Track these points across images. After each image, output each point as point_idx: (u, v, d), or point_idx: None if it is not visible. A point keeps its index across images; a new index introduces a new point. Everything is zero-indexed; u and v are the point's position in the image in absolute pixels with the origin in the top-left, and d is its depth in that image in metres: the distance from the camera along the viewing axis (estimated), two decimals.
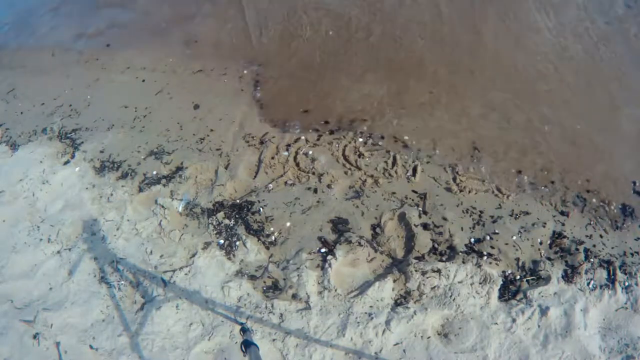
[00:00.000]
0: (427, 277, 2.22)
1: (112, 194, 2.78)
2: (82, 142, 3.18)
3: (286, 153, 2.91)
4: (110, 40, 4.14)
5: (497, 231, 2.41)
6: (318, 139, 2.98)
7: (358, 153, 2.86)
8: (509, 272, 2.26)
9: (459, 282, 2.20)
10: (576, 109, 3.02)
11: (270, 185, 2.74)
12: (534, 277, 2.24)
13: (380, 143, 2.87)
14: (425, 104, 3.15)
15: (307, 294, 2.21)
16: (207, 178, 2.83)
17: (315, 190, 2.68)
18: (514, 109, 3.05)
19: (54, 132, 3.31)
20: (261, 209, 2.61)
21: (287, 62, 3.58)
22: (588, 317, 2.08)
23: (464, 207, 2.54)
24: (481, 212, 2.52)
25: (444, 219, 2.49)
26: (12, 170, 3.02)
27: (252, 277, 2.33)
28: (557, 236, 2.39)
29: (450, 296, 2.16)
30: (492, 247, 2.35)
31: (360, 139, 2.94)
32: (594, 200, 2.55)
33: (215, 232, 2.53)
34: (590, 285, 2.18)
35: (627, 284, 2.19)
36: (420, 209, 2.54)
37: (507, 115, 3.03)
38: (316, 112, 3.18)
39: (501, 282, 2.21)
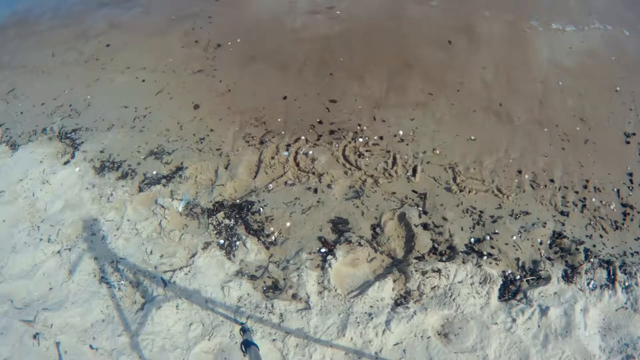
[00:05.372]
0: (427, 277, 2.22)
1: (112, 194, 2.78)
2: (82, 142, 3.18)
3: (286, 153, 2.91)
4: (110, 40, 4.14)
5: (497, 231, 2.41)
6: (318, 139, 2.98)
7: (358, 153, 2.86)
8: (509, 272, 2.26)
9: (459, 282, 2.20)
10: None
11: (270, 185, 2.73)
12: (534, 277, 2.24)
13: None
14: None
15: (307, 294, 2.21)
16: (207, 178, 2.83)
17: (315, 190, 2.68)
18: None
19: (54, 132, 3.31)
20: (261, 209, 2.61)
21: None
22: (588, 317, 2.08)
23: (464, 207, 2.54)
24: (481, 212, 2.52)
25: (444, 219, 2.48)
26: (12, 170, 3.02)
27: (252, 277, 2.33)
28: (557, 236, 2.39)
29: (450, 296, 2.16)
30: (492, 247, 2.35)
31: (360, 139, 2.94)
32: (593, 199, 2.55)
33: (215, 232, 2.52)
34: (590, 285, 2.18)
35: (627, 284, 2.19)
36: (420, 209, 2.53)
37: None
38: None
39: (501, 282, 2.21)
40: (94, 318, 2.26)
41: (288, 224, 2.54)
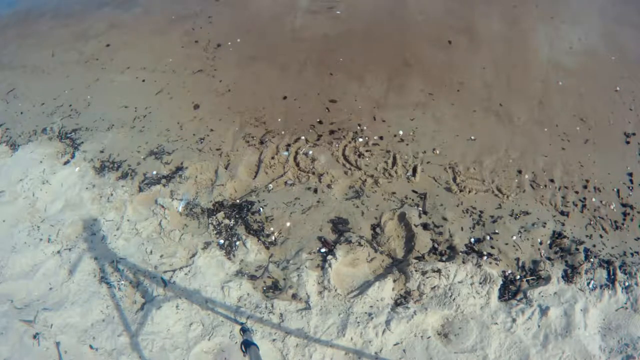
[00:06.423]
0: (427, 277, 2.22)
1: (112, 194, 2.78)
2: (82, 142, 3.18)
3: (286, 153, 2.91)
4: (110, 40, 4.14)
5: (497, 231, 2.41)
6: (318, 139, 2.98)
7: (358, 153, 2.86)
8: (509, 272, 2.26)
9: (459, 282, 2.20)
10: None
11: (270, 185, 2.73)
12: (534, 277, 2.24)
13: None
14: None
15: (307, 294, 2.21)
16: (207, 178, 2.83)
17: (315, 190, 2.68)
18: None
19: (54, 132, 3.31)
20: (261, 209, 2.61)
21: None
22: (588, 317, 2.08)
23: (464, 207, 2.54)
24: (481, 212, 2.52)
25: (444, 219, 2.48)
26: (12, 170, 3.02)
27: (252, 277, 2.33)
28: (557, 236, 2.39)
29: (450, 296, 2.16)
30: (492, 247, 2.35)
31: (360, 139, 2.94)
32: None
33: (215, 232, 2.53)
34: (590, 285, 2.18)
35: (627, 283, 2.19)
36: (420, 209, 2.53)
37: None
38: None
39: (501, 282, 2.21)
40: (94, 318, 2.26)
41: (288, 224, 2.54)
